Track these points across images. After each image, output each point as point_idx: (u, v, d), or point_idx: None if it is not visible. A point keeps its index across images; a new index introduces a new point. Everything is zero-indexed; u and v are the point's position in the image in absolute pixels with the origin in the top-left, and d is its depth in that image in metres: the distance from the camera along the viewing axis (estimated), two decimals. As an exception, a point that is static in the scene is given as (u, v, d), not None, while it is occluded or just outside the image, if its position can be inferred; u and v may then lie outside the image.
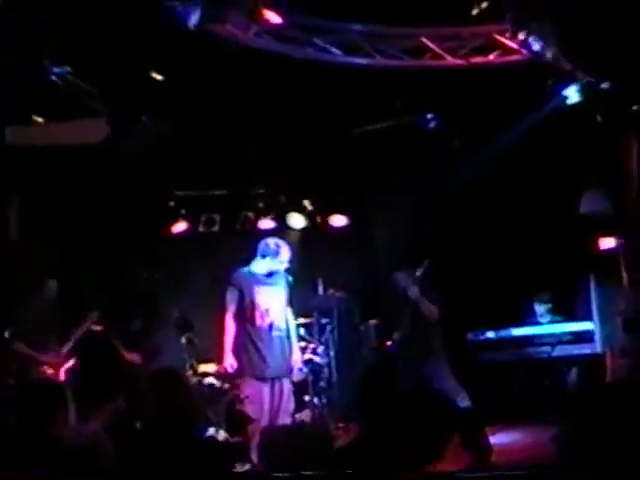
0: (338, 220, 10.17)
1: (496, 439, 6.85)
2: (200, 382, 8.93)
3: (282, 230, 10.01)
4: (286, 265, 7.62)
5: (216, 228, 10.12)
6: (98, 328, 8.42)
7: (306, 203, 10.15)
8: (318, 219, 10.21)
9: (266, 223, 10.00)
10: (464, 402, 7.36)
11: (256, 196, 10.19)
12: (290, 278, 7.70)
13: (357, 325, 9.63)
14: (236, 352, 7.44)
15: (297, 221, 10.10)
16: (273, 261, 7.56)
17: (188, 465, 4.21)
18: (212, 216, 10.12)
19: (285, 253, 7.59)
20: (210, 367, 9.19)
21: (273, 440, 5.87)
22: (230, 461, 5.46)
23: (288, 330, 7.66)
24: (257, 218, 10.07)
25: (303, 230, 10.14)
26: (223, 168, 9.49)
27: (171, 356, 8.59)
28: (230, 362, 7.45)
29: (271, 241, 7.67)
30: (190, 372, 8.81)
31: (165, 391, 4.72)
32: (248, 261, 7.73)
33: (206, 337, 9.24)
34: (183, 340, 8.94)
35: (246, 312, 7.44)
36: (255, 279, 7.54)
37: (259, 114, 8.45)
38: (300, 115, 8.51)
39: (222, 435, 8.50)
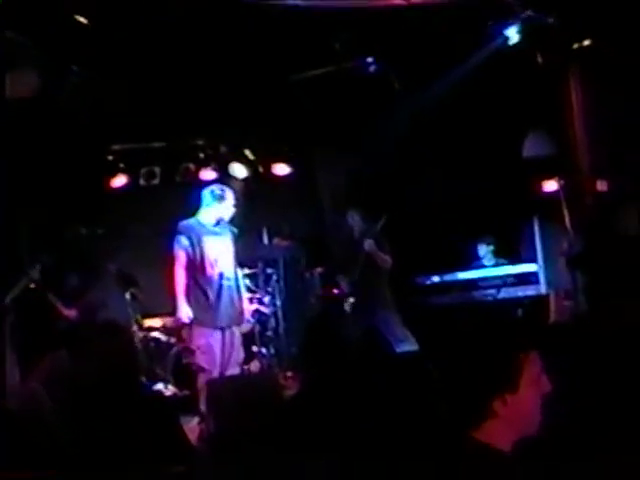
0: (281, 168, 10.04)
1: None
2: (146, 337, 8.85)
3: (224, 180, 9.86)
4: (232, 211, 7.59)
5: (156, 181, 9.94)
6: (33, 285, 8.24)
7: (247, 152, 10.00)
8: (260, 168, 10.08)
9: (208, 174, 9.83)
10: (413, 348, 7.49)
11: (196, 147, 10.00)
12: (234, 229, 7.66)
13: (303, 273, 9.59)
14: (188, 304, 7.42)
15: (239, 171, 9.95)
16: (220, 207, 7.55)
17: (134, 420, 4.14)
18: (152, 169, 9.94)
19: (230, 198, 7.59)
20: (156, 321, 9.12)
21: (221, 392, 5.80)
22: (178, 415, 5.36)
23: (237, 280, 7.65)
24: (198, 169, 9.89)
25: (245, 180, 10.00)
26: (162, 119, 9.27)
27: (115, 312, 8.44)
28: (185, 311, 7.41)
29: (215, 187, 7.69)
30: (135, 327, 8.70)
31: (107, 345, 4.63)
32: (193, 213, 7.68)
33: (150, 292, 9.14)
34: (127, 296, 8.82)
35: (195, 262, 7.41)
36: (203, 229, 7.51)
37: (197, 63, 8.25)
38: (238, 62, 8.32)
39: (170, 390, 8.45)
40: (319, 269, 9.38)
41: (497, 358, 2.40)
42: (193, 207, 7.70)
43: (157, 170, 9.92)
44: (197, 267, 7.41)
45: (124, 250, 9.34)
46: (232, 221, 7.69)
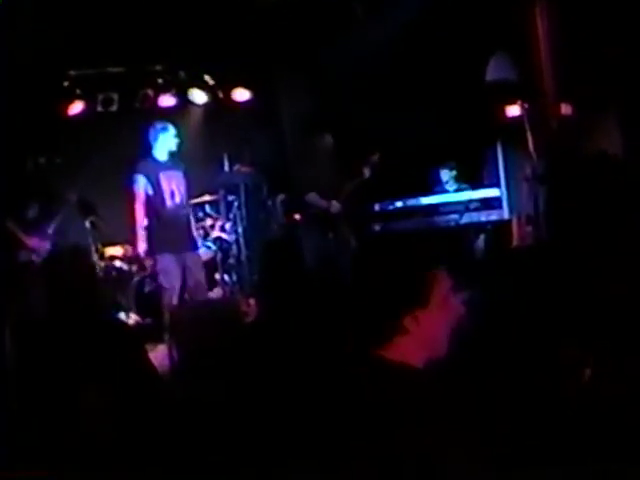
0: (241, 94, 9.89)
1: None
2: (107, 266, 8.79)
3: (183, 106, 9.73)
4: (176, 141, 7.73)
5: (114, 107, 9.74)
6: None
7: (207, 78, 9.82)
8: (220, 94, 9.92)
9: (167, 100, 9.68)
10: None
11: (155, 72, 9.80)
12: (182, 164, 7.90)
13: (265, 200, 9.52)
14: (149, 235, 7.67)
15: (199, 97, 9.80)
16: (165, 137, 7.73)
17: (97, 348, 4.09)
18: (110, 95, 9.73)
19: (171, 128, 7.77)
20: (117, 250, 9.04)
21: (183, 318, 5.79)
22: (142, 342, 5.34)
23: (189, 210, 8.07)
24: (157, 95, 9.72)
25: (205, 106, 9.85)
26: (119, 44, 9.04)
27: (75, 240, 8.34)
28: (143, 247, 7.67)
29: (156, 123, 7.85)
30: (96, 256, 8.63)
31: (68, 272, 4.56)
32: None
33: (111, 220, 9.04)
34: (87, 224, 8.72)
35: (154, 197, 7.64)
36: (158, 165, 7.72)
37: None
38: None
39: (133, 318, 8.44)
40: (281, 196, 9.32)
41: (405, 275, 2.39)
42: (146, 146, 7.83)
43: (115, 96, 9.73)
44: (156, 201, 7.64)
45: (84, 178, 9.20)
46: (183, 152, 7.92)
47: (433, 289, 2.39)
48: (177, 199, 7.71)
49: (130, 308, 8.50)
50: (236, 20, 8.84)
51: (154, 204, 7.64)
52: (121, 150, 9.58)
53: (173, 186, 7.71)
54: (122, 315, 8.39)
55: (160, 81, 9.78)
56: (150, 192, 7.62)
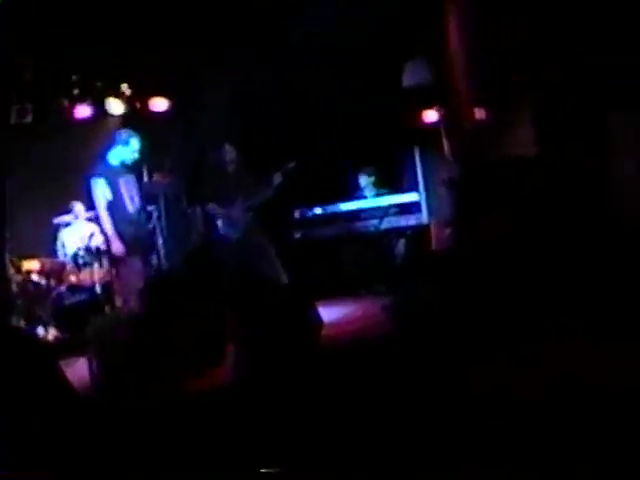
0: (158, 104, 9.80)
1: (329, 313, 6.91)
2: (24, 280, 8.60)
3: (100, 117, 9.58)
4: (135, 156, 7.85)
5: (29, 119, 9.54)
6: None
7: (124, 87, 9.70)
8: (137, 104, 9.81)
9: (83, 110, 9.51)
10: (283, 280, 7.91)
11: (71, 82, 9.62)
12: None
13: (185, 210, 9.45)
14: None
15: (116, 107, 9.66)
16: (125, 150, 7.82)
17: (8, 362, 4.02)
18: (24, 106, 9.53)
19: (135, 143, 7.86)
20: (34, 264, 8.84)
21: (98, 330, 5.73)
22: (55, 357, 5.26)
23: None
24: (73, 106, 9.56)
25: (123, 116, 9.72)
26: (33, 54, 8.88)
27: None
28: (117, 246, 7.68)
29: (123, 132, 7.98)
30: (12, 270, 8.45)
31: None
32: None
33: (27, 234, 8.87)
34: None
35: (115, 201, 7.71)
36: (115, 170, 7.80)
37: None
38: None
39: (52, 333, 8.29)
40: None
41: None
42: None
43: (29, 107, 9.52)
44: (117, 206, 7.72)
45: (2, 190, 9.02)
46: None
47: None
48: (137, 204, 7.84)
49: (49, 323, 8.33)
50: (152, 27, 8.76)
51: (116, 208, 7.71)
52: (38, 160, 9.44)
53: (132, 190, 7.82)
54: (40, 330, 8.22)
55: (76, 91, 9.60)
56: (110, 197, 7.70)
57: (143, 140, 7.97)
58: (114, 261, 8.05)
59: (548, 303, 4.60)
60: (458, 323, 4.61)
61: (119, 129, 8.45)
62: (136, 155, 7.87)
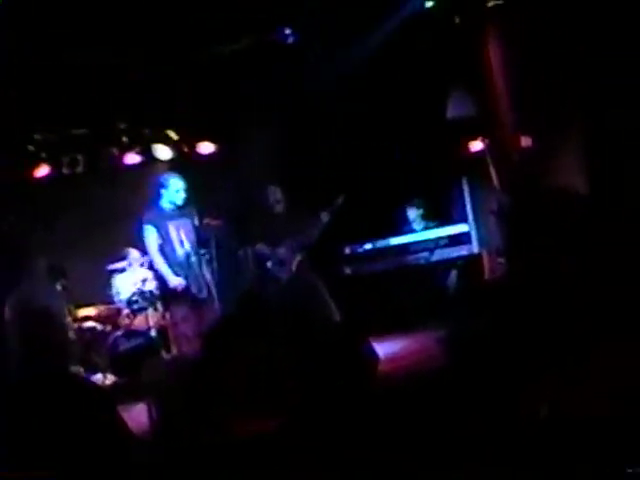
0: (206, 147, 9.92)
1: (383, 348, 6.89)
2: (80, 327, 8.71)
3: (149, 163, 9.74)
4: (180, 196, 7.95)
5: (80, 168, 9.73)
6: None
7: (171, 133, 9.85)
8: (185, 148, 9.95)
9: (132, 158, 9.69)
10: (335, 317, 7.99)
11: (119, 131, 9.81)
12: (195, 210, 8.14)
13: (236, 251, 9.50)
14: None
15: (163, 152, 9.80)
16: (167, 193, 7.94)
17: (69, 410, 4.05)
18: (75, 156, 9.72)
19: (175, 183, 7.96)
20: (89, 311, 8.96)
21: (159, 375, 5.76)
22: (115, 404, 5.29)
23: (200, 257, 8.12)
24: (122, 154, 9.73)
25: (171, 161, 9.85)
26: (81, 105, 9.07)
27: (46, 304, 8.26)
28: (174, 279, 7.91)
29: (163, 176, 8.15)
30: (69, 318, 8.56)
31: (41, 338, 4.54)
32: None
33: (82, 282, 8.99)
34: (58, 287, 8.65)
35: (164, 246, 7.92)
36: (164, 214, 7.96)
37: (116, 41, 8.08)
38: (155, 38, 8.18)
39: (109, 379, 8.35)
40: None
41: None
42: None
43: (80, 157, 9.72)
44: (167, 250, 7.92)
45: (53, 241, 9.18)
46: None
47: None
48: (186, 247, 7.93)
49: (106, 369, 8.41)
50: (195, 73, 8.91)
51: (166, 252, 7.91)
52: (90, 210, 9.59)
53: (182, 234, 7.93)
54: (98, 376, 8.30)
55: (124, 139, 9.78)
56: (159, 241, 7.91)
57: (188, 181, 8.05)
58: (168, 305, 8.22)
59: (600, 330, 4.56)
60: (512, 354, 4.56)
61: (161, 175, 8.59)
62: (180, 197, 7.95)
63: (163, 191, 7.94)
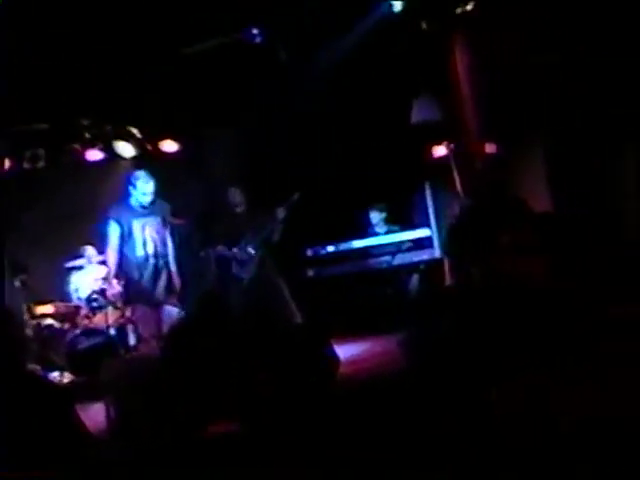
0: (169, 146, 9.87)
1: (344, 351, 6.90)
2: (39, 325, 8.63)
3: (111, 160, 9.66)
4: (149, 197, 7.69)
5: (42, 163, 9.62)
6: None
7: (134, 130, 9.77)
8: (148, 146, 9.88)
9: (94, 154, 9.60)
10: (296, 318, 7.97)
11: (81, 127, 9.71)
12: (166, 206, 7.89)
13: (197, 252, 9.46)
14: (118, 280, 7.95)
15: (125, 149, 9.72)
16: (135, 193, 7.68)
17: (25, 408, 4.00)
18: (36, 151, 9.61)
19: (143, 185, 7.68)
20: (48, 308, 8.87)
21: (113, 374, 5.71)
22: (72, 402, 5.24)
23: (167, 257, 7.84)
24: (84, 149, 9.64)
25: (134, 159, 9.79)
26: (43, 100, 8.96)
27: (4, 299, 8.16)
28: (116, 289, 7.95)
29: (132, 174, 7.85)
30: (27, 315, 8.47)
31: None
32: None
33: (41, 278, 8.90)
34: (17, 283, 8.56)
35: (126, 243, 7.66)
36: (132, 212, 7.71)
37: (79, 37, 7.99)
38: (124, 37, 8.11)
39: (67, 377, 8.26)
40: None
41: None
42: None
43: (41, 152, 9.61)
44: (128, 248, 7.66)
45: (13, 237, 9.07)
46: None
47: None
48: (149, 248, 7.70)
49: (64, 367, 8.32)
50: (160, 71, 8.85)
51: (127, 250, 7.66)
52: (51, 206, 9.50)
53: (146, 233, 7.70)
54: (55, 374, 8.21)
55: (87, 135, 9.68)
56: (122, 238, 7.65)
57: (156, 182, 7.93)
58: (130, 303, 8.10)
59: (562, 335, 4.60)
60: (473, 357, 4.59)
61: (130, 172, 8.50)
62: (147, 197, 7.74)
63: (132, 189, 7.72)
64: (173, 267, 7.88)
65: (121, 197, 7.86)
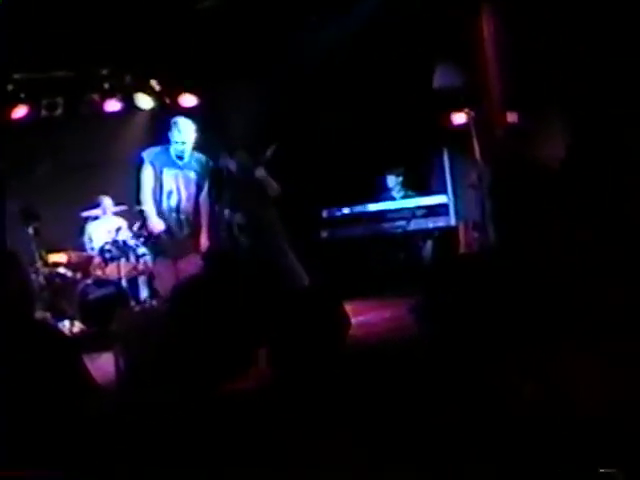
0: (188, 100, 9.80)
1: (353, 313, 6.89)
2: (51, 273, 8.63)
3: (130, 112, 9.62)
4: (189, 144, 7.62)
5: (59, 112, 9.58)
6: None
7: (153, 83, 9.71)
8: (167, 99, 9.82)
9: (112, 105, 9.56)
10: (304, 282, 7.81)
11: (101, 77, 9.66)
12: (207, 163, 7.81)
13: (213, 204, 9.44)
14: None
15: (144, 101, 9.68)
16: (172, 139, 7.60)
17: (32, 356, 4.01)
18: (55, 99, 9.57)
19: (181, 132, 7.58)
20: (61, 257, 8.88)
21: (125, 326, 5.72)
22: (84, 351, 5.26)
23: (191, 213, 7.75)
24: (103, 100, 9.59)
25: (152, 111, 9.74)
26: (64, 47, 8.90)
27: (17, 247, 8.17)
28: (156, 221, 7.63)
29: (176, 120, 7.69)
30: (40, 263, 8.47)
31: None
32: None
33: (55, 226, 8.90)
34: (30, 231, 8.56)
35: (155, 190, 7.61)
36: (165, 160, 7.64)
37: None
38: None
39: (77, 327, 8.29)
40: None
41: None
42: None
43: (60, 101, 9.56)
44: (156, 196, 7.62)
45: (29, 184, 9.06)
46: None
47: None
48: (173, 201, 7.64)
49: (74, 316, 8.34)
50: (181, 25, 8.77)
51: (155, 197, 7.61)
52: (66, 155, 9.48)
53: (175, 185, 7.63)
54: (66, 322, 8.23)
55: (106, 86, 9.63)
56: (152, 184, 7.59)
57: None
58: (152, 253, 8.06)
59: (576, 305, 4.57)
60: (484, 326, 4.57)
61: (148, 124, 8.46)
62: (188, 145, 7.66)
63: (171, 135, 7.60)
64: (204, 221, 7.81)
65: (160, 142, 7.76)
